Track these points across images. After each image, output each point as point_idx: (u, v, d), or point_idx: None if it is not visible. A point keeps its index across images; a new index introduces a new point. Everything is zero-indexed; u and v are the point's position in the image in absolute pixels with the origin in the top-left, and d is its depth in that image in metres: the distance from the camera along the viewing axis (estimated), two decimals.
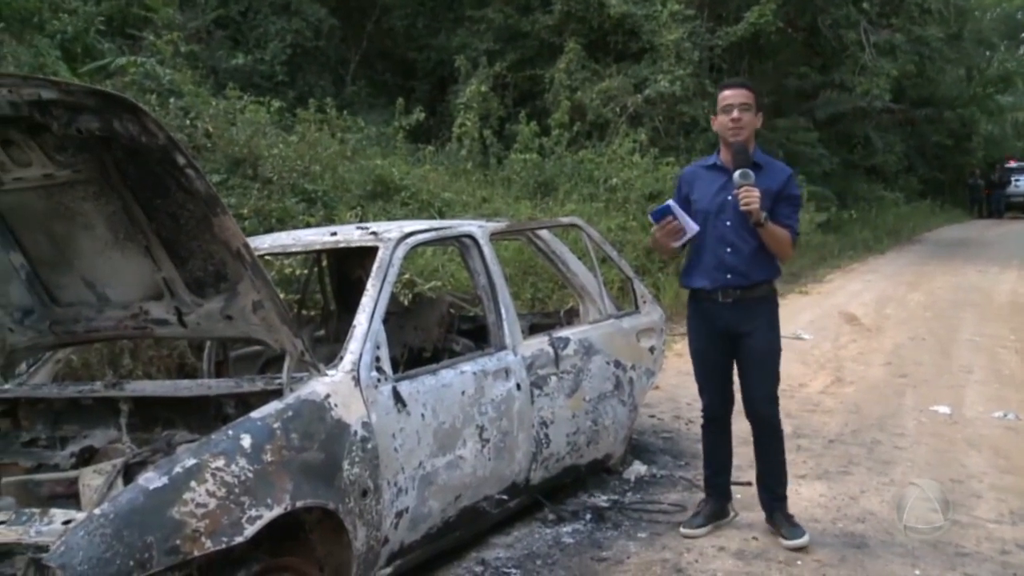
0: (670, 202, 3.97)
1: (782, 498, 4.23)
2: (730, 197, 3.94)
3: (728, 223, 3.99)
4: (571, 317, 5.26)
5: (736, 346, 4.09)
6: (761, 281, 4.05)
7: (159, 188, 2.81)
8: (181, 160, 2.70)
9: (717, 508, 4.33)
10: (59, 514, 2.54)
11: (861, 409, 6.57)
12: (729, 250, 3.99)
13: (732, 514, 4.36)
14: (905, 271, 15.50)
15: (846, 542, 4.14)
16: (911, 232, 23.20)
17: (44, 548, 2.34)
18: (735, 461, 4.42)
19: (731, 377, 4.22)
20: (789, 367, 7.83)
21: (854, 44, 18.60)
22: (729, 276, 4.01)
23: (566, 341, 4.52)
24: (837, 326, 10.27)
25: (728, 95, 4.03)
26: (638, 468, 5.10)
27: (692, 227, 3.92)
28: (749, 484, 4.62)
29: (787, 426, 6.01)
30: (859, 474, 5.10)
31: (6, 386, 3.51)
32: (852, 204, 21.06)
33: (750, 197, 3.83)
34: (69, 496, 2.93)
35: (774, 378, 4.13)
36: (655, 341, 5.25)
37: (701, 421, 4.41)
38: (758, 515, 4.33)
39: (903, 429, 6.03)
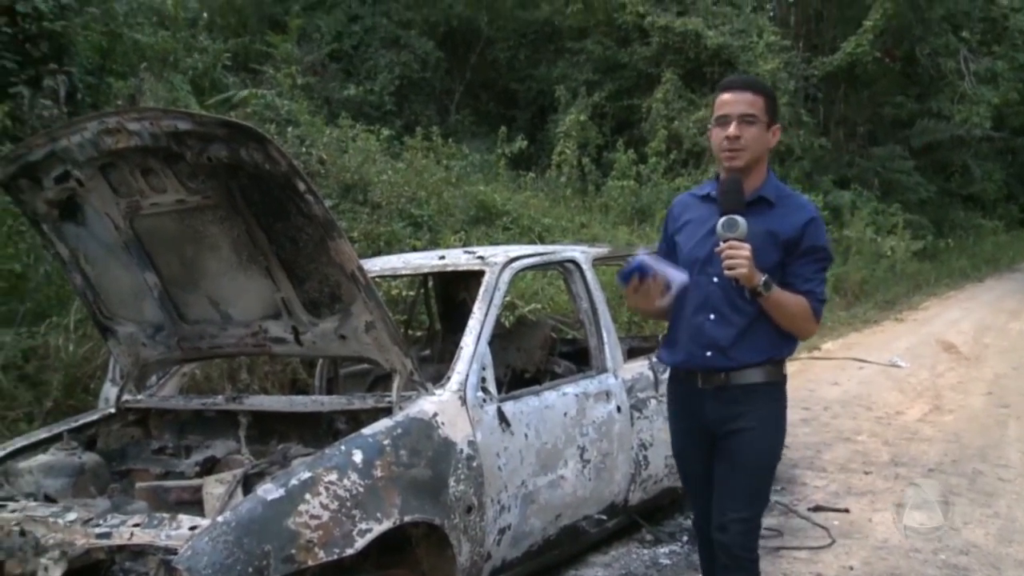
0: (640, 257, 2.75)
1: None
2: (723, 244, 2.68)
3: (715, 279, 2.75)
4: None
5: (718, 447, 2.85)
6: (756, 363, 2.77)
7: (280, 213, 2.97)
8: (302, 186, 2.85)
9: None
10: (186, 520, 2.66)
11: (961, 439, 6.39)
12: (712, 317, 2.76)
13: None
14: (1005, 300, 14.94)
15: (949, 574, 4.04)
16: (1011, 261, 22.48)
17: (173, 551, 2.48)
18: (832, 487, 4.31)
19: None
20: (886, 394, 7.74)
21: (953, 73, 18.30)
22: (708, 354, 2.77)
23: None
24: (935, 354, 10.01)
25: (726, 100, 2.74)
26: None
27: (677, 276, 2.72)
28: (847, 511, 4.54)
29: (884, 454, 5.95)
30: (961, 505, 4.95)
31: (139, 397, 3.73)
32: (949, 232, 20.65)
33: (736, 258, 2.61)
34: (193, 503, 3.09)
35: (759, 499, 2.86)
36: None
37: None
38: (856, 542, 4.30)
39: (1007, 460, 5.83)
